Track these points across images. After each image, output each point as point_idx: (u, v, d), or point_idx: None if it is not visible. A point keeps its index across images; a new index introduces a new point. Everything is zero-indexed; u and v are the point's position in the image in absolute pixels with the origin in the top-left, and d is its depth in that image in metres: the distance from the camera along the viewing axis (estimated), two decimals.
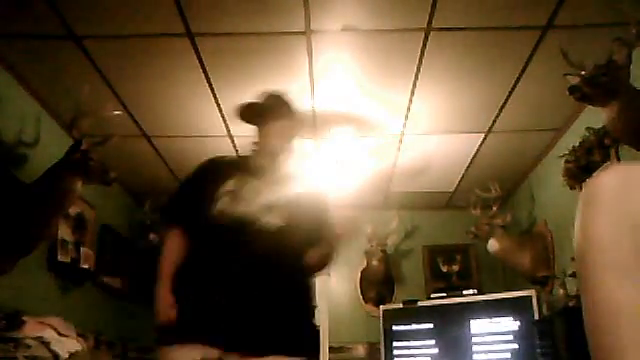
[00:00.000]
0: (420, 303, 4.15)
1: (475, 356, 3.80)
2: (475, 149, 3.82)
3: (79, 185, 2.66)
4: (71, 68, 2.85)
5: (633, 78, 2.19)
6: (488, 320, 3.83)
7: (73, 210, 3.29)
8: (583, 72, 2.18)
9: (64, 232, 3.27)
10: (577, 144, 2.95)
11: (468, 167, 4.08)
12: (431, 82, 3.01)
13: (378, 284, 4.67)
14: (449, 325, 3.96)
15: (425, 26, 2.57)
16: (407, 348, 4.06)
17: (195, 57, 2.78)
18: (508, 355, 3.68)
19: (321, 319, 4.35)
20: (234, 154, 3.66)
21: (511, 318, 3.74)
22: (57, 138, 3.15)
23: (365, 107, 3.27)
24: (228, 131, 3.54)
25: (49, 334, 2.54)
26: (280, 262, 1.84)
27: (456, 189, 4.48)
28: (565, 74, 2.25)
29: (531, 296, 3.67)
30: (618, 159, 2.71)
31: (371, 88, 3.07)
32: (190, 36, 2.63)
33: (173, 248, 1.92)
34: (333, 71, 2.94)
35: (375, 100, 3.19)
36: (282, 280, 1.84)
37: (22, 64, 2.83)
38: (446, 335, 3.96)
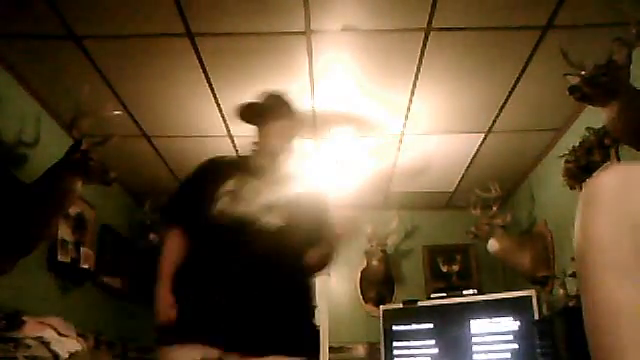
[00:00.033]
0: (420, 303, 4.15)
1: (475, 356, 3.80)
2: (475, 149, 3.82)
3: (79, 185, 2.66)
4: (71, 68, 2.85)
5: (633, 78, 2.19)
6: (488, 320, 3.83)
7: (73, 210, 3.29)
8: (583, 72, 2.18)
9: (64, 232, 3.27)
10: (577, 144, 2.95)
11: (468, 167, 4.08)
12: (431, 82, 3.01)
13: (378, 284, 4.67)
14: (449, 325, 3.96)
15: (425, 26, 2.57)
16: (407, 348, 4.06)
17: (195, 57, 2.78)
18: (508, 355, 3.68)
19: (321, 319, 4.35)
20: (234, 154, 3.66)
21: (511, 318, 3.74)
22: (57, 138, 3.15)
23: (365, 107, 3.27)
24: (228, 131, 3.54)
25: (49, 334, 2.54)
26: (280, 262, 1.84)
27: (456, 189, 4.48)
28: (565, 74, 2.25)
29: (531, 296, 3.67)
30: (618, 159, 2.71)
31: (371, 88, 3.07)
32: (190, 36, 2.63)
33: (173, 248, 1.92)
34: (333, 71, 2.94)
35: (375, 100, 3.19)
36: (282, 280, 1.84)
37: (22, 64, 2.83)
38: (446, 335, 3.96)
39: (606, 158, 2.74)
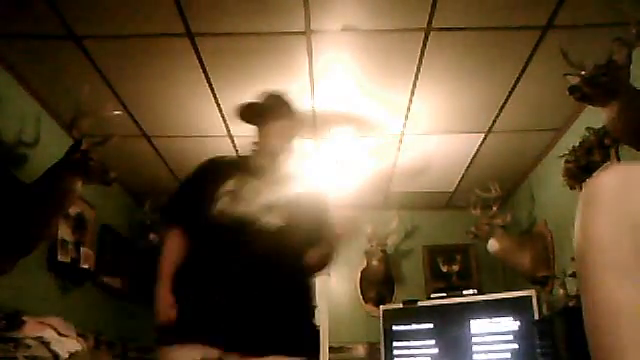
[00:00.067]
0: (420, 303, 4.15)
1: (475, 356, 3.80)
2: (475, 149, 3.82)
3: (79, 185, 2.66)
4: (71, 68, 2.85)
5: (633, 78, 2.19)
6: (488, 320, 3.83)
7: (73, 210, 3.29)
8: (583, 72, 2.18)
9: (64, 232, 3.27)
10: (577, 144, 2.95)
11: (468, 167, 4.08)
12: (431, 82, 3.01)
13: (378, 284, 4.66)
14: (449, 325, 3.96)
15: (425, 26, 2.57)
16: (407, 348, 4.06)
17: (195, 57, 2.78)
18: (508, 355, 3.68)
19: (321, 319, 4.35)
20: (234, 154, 3.66)
21: (511, 318, 3.74)
22: (57, 138, 3.15)
23: (365, 107, 3.27)
24: (228, 131, 3.54)
25: (49, 334, 2.54)
26: (280, 262, 1.84)
27: (456, 189, 4.48)
28: (565, 74, 2.25)
29: (531, 296, 3.67)
30: (618, 159, 2.71)
31: (371, 88, 3.07)
32: (190, 36, 2.63)
33: (173, 248, 1.92)
34: (333, 71, 2.93)
35: (375, 100, 3.19)
36: (282, 280, 1.84)
37: (22, 64, 2.83)
38: (446, 335, 3.96)
39: (606, 158, 2.74)
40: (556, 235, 3.65)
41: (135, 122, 3.41)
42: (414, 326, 4.08)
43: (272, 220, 1.87)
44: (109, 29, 2.59)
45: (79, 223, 3.46)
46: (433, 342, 4.00)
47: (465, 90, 3.09)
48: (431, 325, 4.04)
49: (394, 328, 4.14)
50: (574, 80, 2.20)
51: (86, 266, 3.53)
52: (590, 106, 2.44)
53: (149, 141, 3.68)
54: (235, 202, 1.89)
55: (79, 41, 2.65)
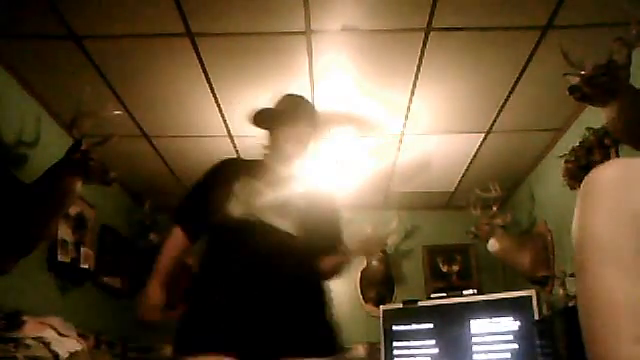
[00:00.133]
0: (420, 303, 4.15)
1: (475, 356, 3.80)
2: (475, 149, 3.82)
3: (79, 185, 2.66)
4: (71, 68, 2.85)
5: (633, 78, 2.19)
6: (488, 320, 3.83)
7: (73, 210, 3.29)
8: (583, 72, 2.18)
9: (64, 232, 3.27)
10: (577, 144, 2.95)
11: (468, 167, 4.08)
12: (431, 82, 3.01)
13: (378, 284, 4.67)
14: (449, 325, 3.95)
15: (425, 26, 2.57)
16: (407, 348, 4.06)
17: (195, 57, 2.78)
18: (508, 355, 3.68)
19: None
20: (235, 155, 3.66)
21: (511, 318, 3.73)
22: (57, 138, 3.15)
23: (365, 107, 3.27)
24: (228, 131, 3.53)
25: (49, 334, 2.54)
26: (294, 266, 1.83)
27: (456, 189, 4.48)
28: (565, 74, 2.25)
29: (531, 296, 3.66)
30: None
31: (371, 88, 3.07)
32: (190, 36, 2.63)
33: (176, 245, 1.92)
34: (333, 71, 2.93)
35: (375, 100, 3.19)
36: (295, 284, 1.83)
37: (22, 64, 2.83)
38: (446, 335, 3.95)
39: (606, 158, 2.74)
40: (556, 235, 3.65)
41: (135, 122, 3.41)
42: (414, 326, 4.08)
43: (285, 224, 1.86)
44: (109, 29, 2.59)
45: (79, 223, 3.46)
46: (433, 342, 3.99)
47: (465, 90, 3.09)
48: (431, 325, 4.03)
49: (394, 328, 4.14)
50: (574, 80, 2.20)
51: (86, 266, 3.53)
52: (590, 106, 2.44)
53: (149, 141, 3.67)
54: (247, 205, 1.86)
55: (79, 41, 2.65)
